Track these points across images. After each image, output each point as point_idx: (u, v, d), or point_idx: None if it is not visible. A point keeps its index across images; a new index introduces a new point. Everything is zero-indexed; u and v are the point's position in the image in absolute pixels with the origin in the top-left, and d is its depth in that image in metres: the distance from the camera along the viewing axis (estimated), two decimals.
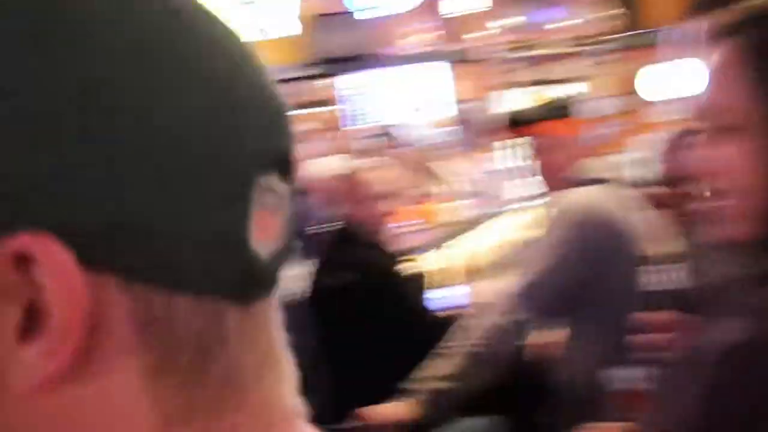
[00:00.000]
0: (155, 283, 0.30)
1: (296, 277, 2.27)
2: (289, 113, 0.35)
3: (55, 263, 0.28)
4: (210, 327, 0.32)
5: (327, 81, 6.70)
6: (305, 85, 6.63)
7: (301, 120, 6.57)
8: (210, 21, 0.34)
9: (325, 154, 4.93)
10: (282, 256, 0.34)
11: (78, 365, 0.29)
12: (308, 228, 3.44)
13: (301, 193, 4.38)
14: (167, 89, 0.30)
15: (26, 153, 0.28)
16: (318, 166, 4.63)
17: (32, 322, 0.29)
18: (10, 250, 0.28)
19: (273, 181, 0.33)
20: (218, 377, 0.32)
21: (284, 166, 0.34)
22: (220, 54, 0.33)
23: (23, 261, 0.28)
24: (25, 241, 0.28)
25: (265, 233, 0.33)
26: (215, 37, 0.33)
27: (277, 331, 0.36)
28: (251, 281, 0.33)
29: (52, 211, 0.28)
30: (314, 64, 6.58)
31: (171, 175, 0.30)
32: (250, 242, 0.32)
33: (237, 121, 0.32)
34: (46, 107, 0.28)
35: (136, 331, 0.30)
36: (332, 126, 6.43)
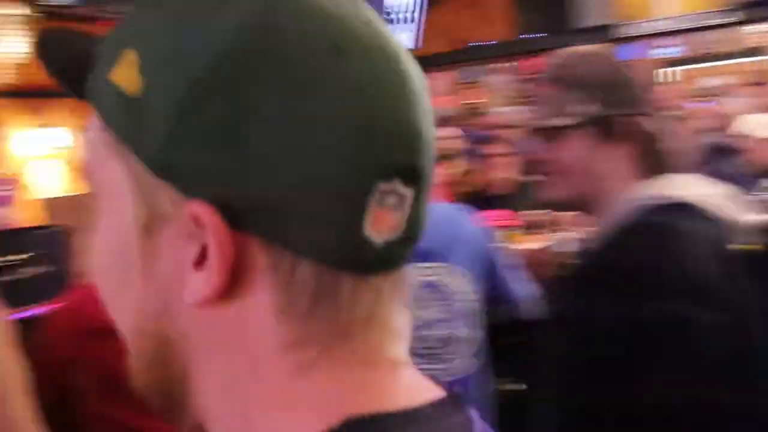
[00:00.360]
0: (285, 248, 0.43)
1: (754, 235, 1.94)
2: (431, 132, 0.47)
3: (212, 225, 0.43)
4: (324, 287, 0.44)
5: (755, 27, 6.09)
6: (725, 33, 6.11)
7: (720, 72, 6.05)
8: (370, 51, 0.44)
9: (752, 111, 4.41)
10: (402, 244, 0.46)
11: (226, 292, 0.44)
12: (746, 191, 3.02)
13: (727, 152, 3.97)
14: (314, 114, 0.42)
15: (209, 151, 0.43)
16: (746, 123, 4.14)
17: (202, 258, 0.44)
18: (189, 212, 0.44)
19: (396, 186, 0.44)
20: (329, 323, 0.45)
21: (410, 174, 0.45)
22: (367, 82, 0.43)
23: (198, 219, 0.44)
24: (196, 208, 0.43)
25: (381, 225, 0.44)
26: (367, 69, 0.44)
27: (392, 300, 0.47)
28: (364, 260, 0.44)
29: (217, 191, 0.43)
30: (736, 9, 6.02)
31: (308, 175, 0.42)
32: (365, 231, 0.44)
33: (367, 140, 0.43)
34: (237, 120, 0.42)
35: (268, 278, 0.44)
36: (761, 78, 5.77)
